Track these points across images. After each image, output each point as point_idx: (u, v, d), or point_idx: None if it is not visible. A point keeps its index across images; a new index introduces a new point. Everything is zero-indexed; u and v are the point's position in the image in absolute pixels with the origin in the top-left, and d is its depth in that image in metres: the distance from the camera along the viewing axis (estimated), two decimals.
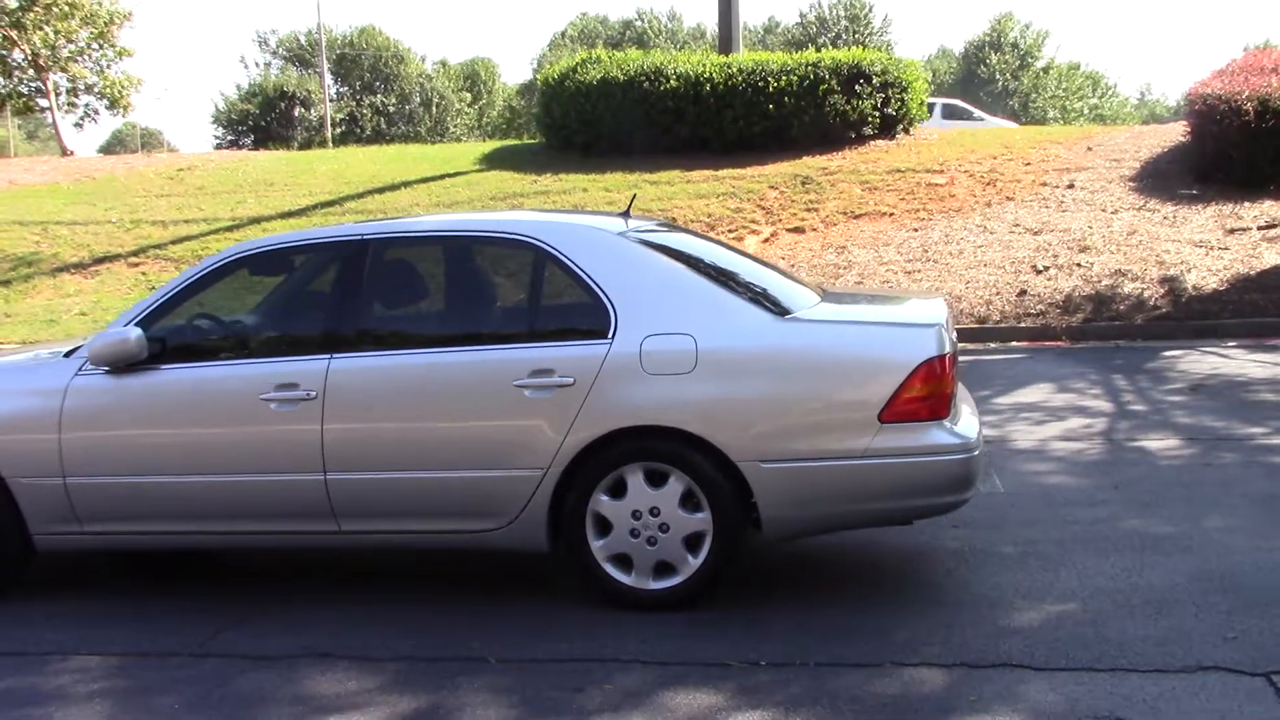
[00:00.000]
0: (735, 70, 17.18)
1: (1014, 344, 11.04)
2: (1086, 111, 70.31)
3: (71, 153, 24.83)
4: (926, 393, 4.42)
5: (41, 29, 24.02)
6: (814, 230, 14.37)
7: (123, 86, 27.04)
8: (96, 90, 26.58)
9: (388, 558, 5.40)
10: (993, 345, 11.02)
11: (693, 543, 4.55)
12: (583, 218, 5.22)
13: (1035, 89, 70.31)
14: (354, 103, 76.85)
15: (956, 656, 4.07)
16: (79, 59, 26.53)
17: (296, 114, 71.92)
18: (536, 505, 4.59)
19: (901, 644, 4.20)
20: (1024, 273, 12.30)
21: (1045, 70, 71.82)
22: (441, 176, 17.85)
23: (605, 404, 4.51)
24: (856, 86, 17.12)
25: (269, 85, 73.63)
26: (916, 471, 4.44)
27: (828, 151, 16.95)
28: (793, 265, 13.28)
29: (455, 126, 75.02)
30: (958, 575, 4.98)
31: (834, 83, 17.02)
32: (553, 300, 4.79)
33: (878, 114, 17.36)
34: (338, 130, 70.74)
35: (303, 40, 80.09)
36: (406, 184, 17.57)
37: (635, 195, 5.96)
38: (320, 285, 4.96)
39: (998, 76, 69.42)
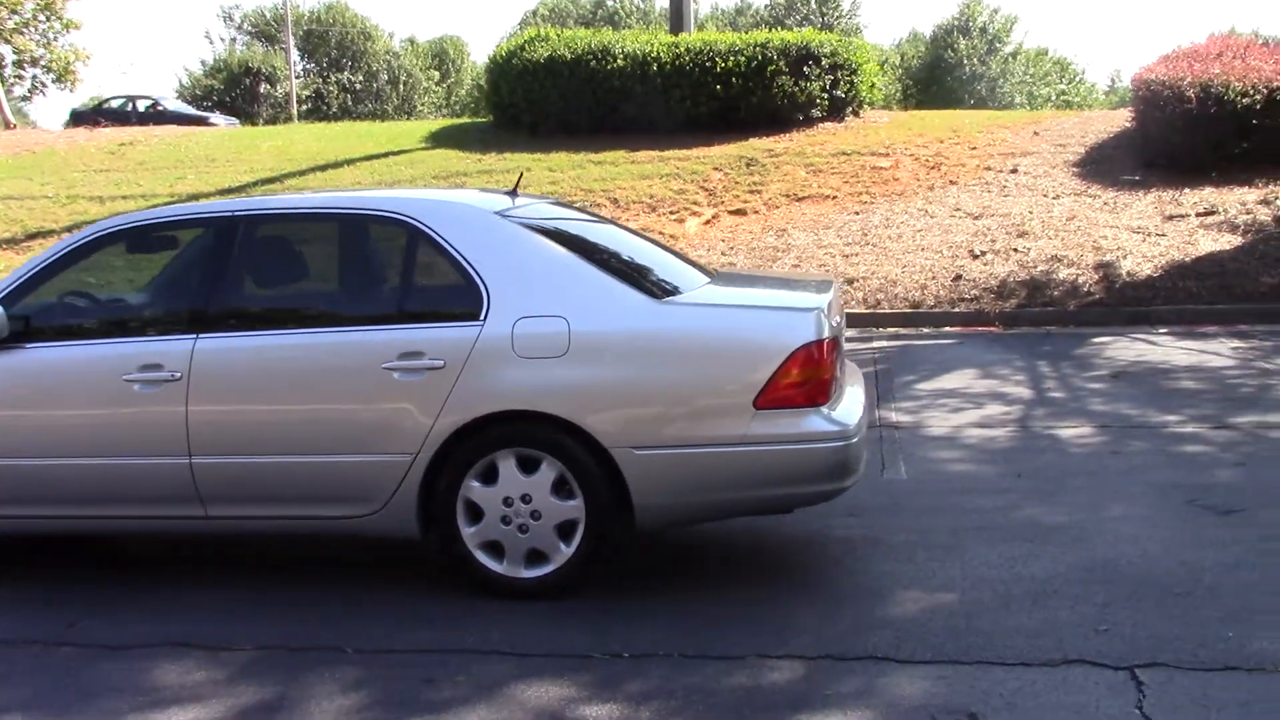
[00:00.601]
0: (683, 50, 17.03)
1: (947, 329, 10.98)
2: (1054, 98, 70.45)
3: (14, 126, 24.43)
4: (803, 379, 4.32)
5: None
6: (756, 213, 14.26)
7: (69, 60, 26.62)
8: (43, 63, 26.15)
9: (262, 543, 5.25)
10: (925, 330, 10.96)
11: (565, 531, 4.44)
12: (463, 195, 5.08)
13: (1003, 74, 70.37)
14: (320, 80, 76.11)
15: (823, 648, 3.98)
16: (24, 31, 26.06)
17: (262, 90, 71.21)
18: (407, 491, 4.47)
19: (771, 635, 4.11)
20: (961, 257, 12.25)
21: (1013, 56, 71.89)
22: (386, 154, 17.63)
23: (476, 388, 4.39)
24: (805, 68, 17.01)
25: (234, 61, 72.78)
26: (793, 459, 4.34)
27: (775, 133, 16.84)
28: (731, 248, 13.19)
29: (423, 105, 74.50)
30: (843, 564, 4.89)
31: (782, 64, 16.89)
32: (426, 280, 4.66)
33: (826, 96, 17.26)
34: (304, 107, 70.01)
35: (268, 16, 79.24)
36: (350, 161, 17.33)
37: (523, 173, 5.81)
38: (190, 263, 4.80)
39: (965, 61, 69.44)
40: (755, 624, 4.21)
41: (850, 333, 10.83)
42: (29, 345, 4.74)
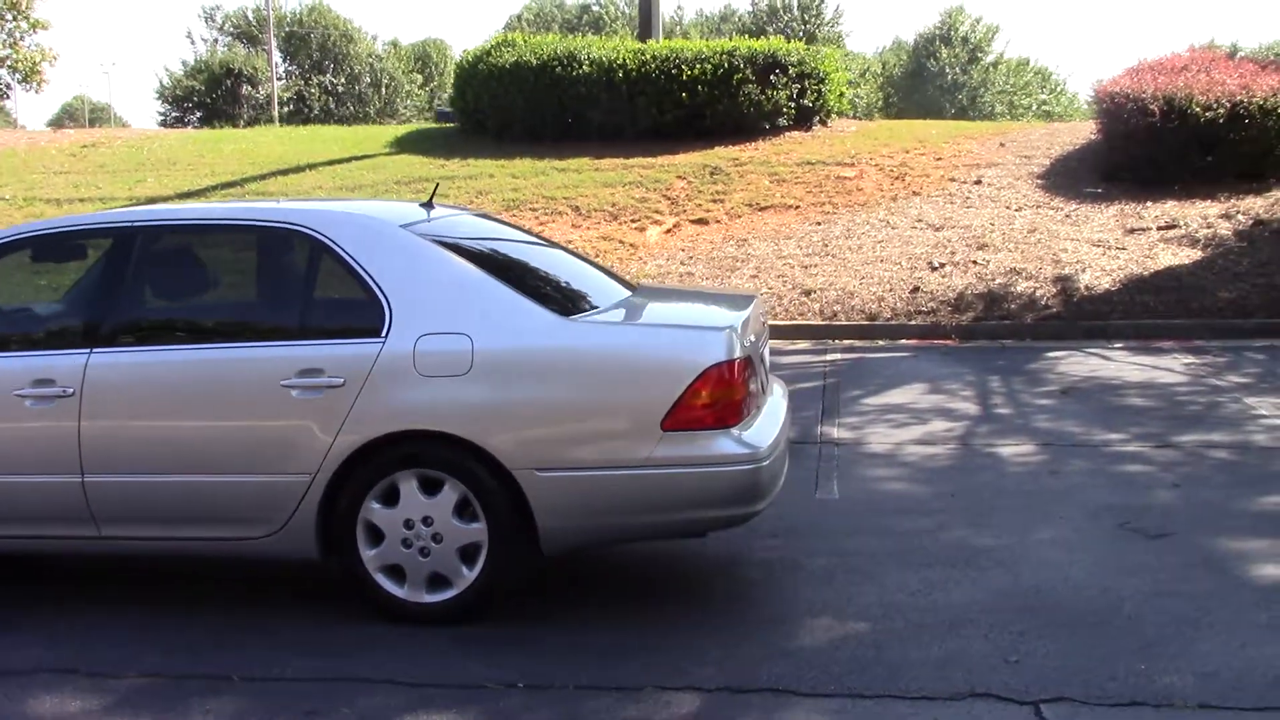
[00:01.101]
0: (649, 57, 16.91)
1: (902, 342, 10.88)
2: (1035, 108, 70.60)
3: None
4: (712, 400, 4.20)
5: None
6: (718, 222, 14.14)
7: (36, 60, 26.35)
8: (8, 63, 25.90)
9: (162, 564, 5.08)
10: (881, 343, 10.86)
11: (468, 554, 4.31)
12: (371, 207, 4.94)
13: (984, 84, 70.52)
14: (302, 82, 75.77)
15: (723, 680, 3.85)
16: None
17: (244, 92, 70.87)
18: (305, 512, 4.33)
19: (671, 665, 3.98)
20: (920, 269, 12.15)
21: (994, 65, 72.02)
22: (349, 159, 17.45)
23: (376, 406, 4.25)
24: (772, 76, 16.90)
25: (215, 62, 72.38)
26: (701, 482, 4.22)
27: (741, 142, 16.73)
28: (691, 257, 13.07)
29: (405, 108, 74.27)
30: (758, 589, 4.78)
31: (749, 72, 16.78)
32: (327, 295, 4.52)
33: (793, 105, 17.15)
34: (285, 109, 69.64)
35: (250, 17, 78.86)
36: (312, 166, 17.15)
37: (438, 184, 5.66)
38: (88, 274, 4.65)
39: (947, 70, 69.54)
40: (657, 653, 4.08)
41: (804, 345, 10.74)
42: None
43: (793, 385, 8.83)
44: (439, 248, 4.47)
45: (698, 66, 16.70)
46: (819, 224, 13.77)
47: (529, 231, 5.77)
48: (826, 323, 11.27)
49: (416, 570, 4.32)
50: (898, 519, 5.59)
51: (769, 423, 4.58)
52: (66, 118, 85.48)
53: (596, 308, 4.61)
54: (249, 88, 70.59)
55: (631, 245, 13.61)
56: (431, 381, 4.24)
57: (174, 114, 72.56)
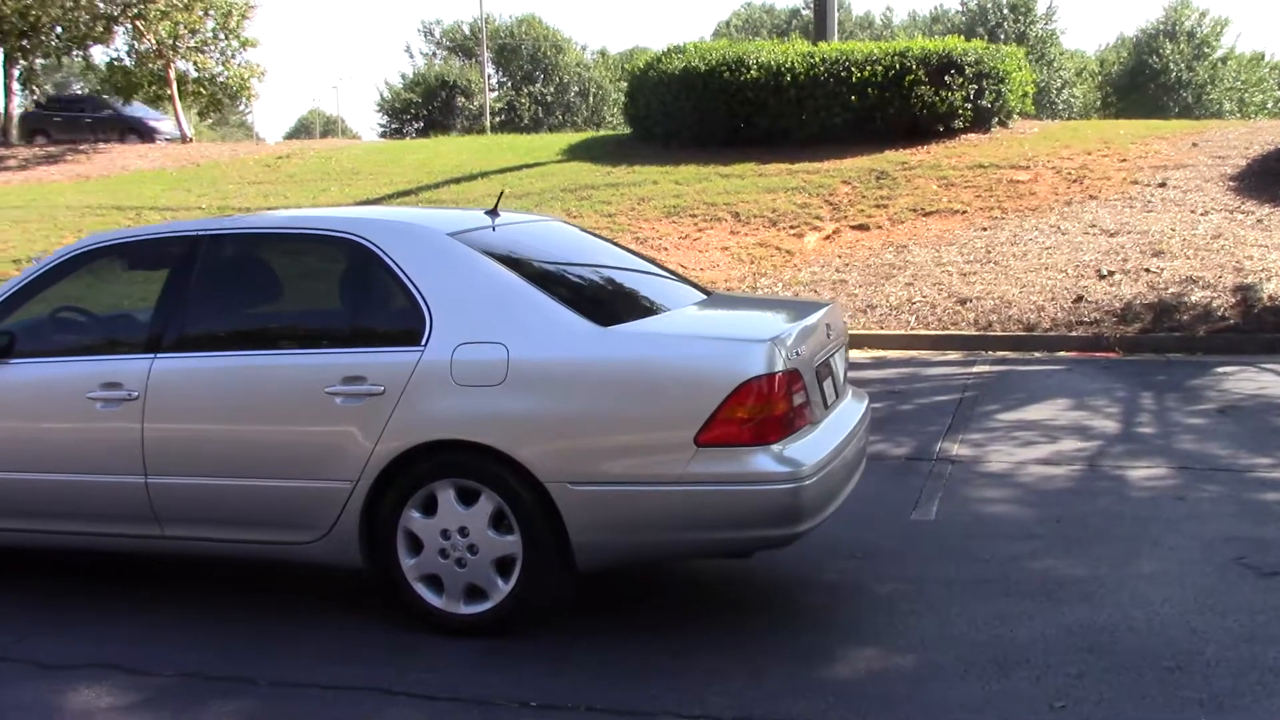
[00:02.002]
0: (818, 60, 16.61)
1: (1060, 354, 10.30)
2: (1270, 105, 66.37)
3: (190, 139, 25.68)
4: (749, 415, 4.02)
5: (165, 18, 24.80)
6: (879, 228, 13.75)
7: (245, 76, 27.85)
8: (220, 80, 27.43)
9: (218, 567, 5.17)
10: (1036, 355, 10.31)
11: (504, 566, 4.25)
12: (423, 214, 4.93)
13: (1211, 81, 66.70)
14: (513, 92, 78.00)
15: (739, 710, 3.68)
16: (204, 49, 27.38)
17: (458, 103, 73.42)
18: (349, 519, 4.35)
19: (693, 690, 3.82)
20: (1086, 277, 11.50)
21: (1223, 61, 68.00)
22: (520, 167, 17.76)
23: (414, 415, 4.24)
24: (946, 77, 16.36)
25: (431, 75, 75.36)
26: (736, 501, 4.04)
27: (912, 145, 16.25)
28: (846, 265, 12.74)
29: (611, 116, 75.55)
30: (810, 614, 4.55)
31: (921, 73, 16.29)
32: (374, 302, 4.54)
33: (969, 106, 16.55)
34: (497, 119, 71.81)
35: (466, 30, 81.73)
36: (484, 174, 17.54)
37: (504, 191, 5.61)
38: (155, 282, 4.80)
39: (1171, 67, 66.06)
40: (682, 677, 3.93)
41: (953, 356, 10.30)
42: (14, 361, 4.82)
43: (928, 399, 8.53)
44: (484, 257, 4.42)
45: (868, 68, 16.31)
46: (985, 229, 13.22)
47: (607, 239, 5.67)
48: (980, 333, 10.78)
49: (454, 581, 4.29)
50: (990, 544, 5.26)
51: (825, 438, 4.36)
52: (302, 130, 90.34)
53: (644, 317, 4.49)
54: (463, 99, 73.14)
55: (787, 252, 13.37)
56: (467, 391, 4.20)
57: (393, 126, 75.81)
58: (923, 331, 10.97)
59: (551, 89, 76.81)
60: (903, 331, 11.01)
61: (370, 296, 4.52)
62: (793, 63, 16.66)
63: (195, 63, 27.13)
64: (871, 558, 5.17)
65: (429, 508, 4.29)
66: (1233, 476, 6.24)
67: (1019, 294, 11.34)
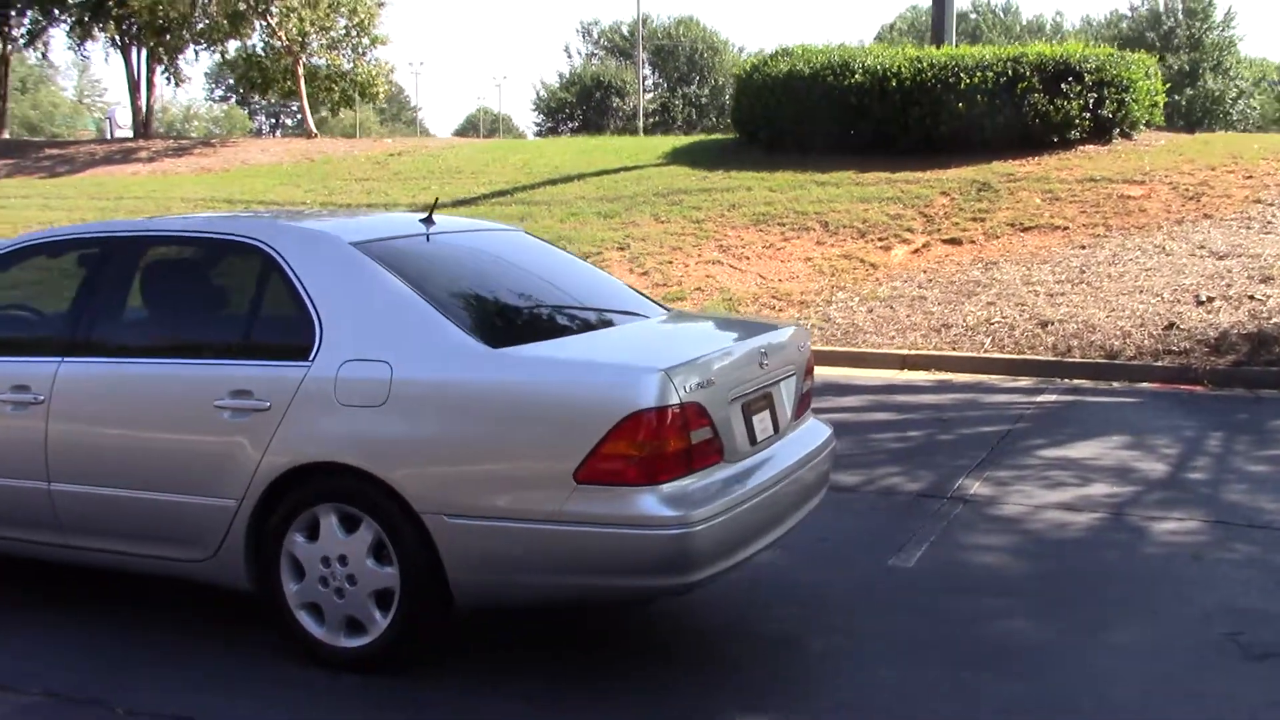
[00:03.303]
0: (925, 65, 15.93)
1: (1141, 385, 9.54)
2: None
3: (315, 135, 26.21)
4: (635, 452, 3.66)
5: (292, 15, 25.36)
6: (972, 243, 13.07)
7: (374, 74, 28.31)
8: (350, 77, 27.95)
9: (128, 580, 4.85)
10: (1114, 385, 9.58)
11: (383, 600, 3.98)
12: (332, 222, 4.68)
13: None
14: (668, 93, 78.13)
15: None
16: (336, 47, 27.92)
17: (613, 104, 73.92)
18: (234, 539, 4.15)
19: None
20: (1182, 303, 10.68)
21: None
22: (619, 170, 17.54)
23: (297, 434, 4.02)
24: (1063, 85, 15.50)
25: (587, 75, 76.08)
26: (617, 545, 3.69)
27: (1023, 156, 15.43)
28: (930, 280, 12.14)
29: None
30: (718, 669, 4.15)
31: (1035, 80, 15.47)
32: (270, 313, 4.31)
33: (1088, 116, 15.65)
34: (650, 120, 72.02)
35: (624, 31, 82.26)
36: (582, 176, 17.36)
37: (437, 200, 5.35)
38: (70, 284, 4.68)
39: None
40: None
41: (1024, 382, 9.66)
42: None
43: (973, 429, 7.97)
44: (382, 269, 4.15)
45: (978, 74, 15.57)
46: (1083, 248, 12.44)
47: (572, 255, 5.34)
48: (1058, 359, 10.09)
49: (334, 611, 4.05)
50: (959, 599, 4.78)
51: (741, 478, 3.98)
52: (470, 128, 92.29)
53: (550, 339, 4.17)
54: (618, 99, 73.57)
55: (871, 265, 12.82)
56: (349, 411, 3.96)
57: (548, 125, 76.80)
58: (996, 355, 10.33)
59: (706, 91, 76.58)
60: (974, 354, 10.39)
61: (267, 306, 4.31)
62: (899, 67, 16.01)
63: (327, 59, 27.68)
64: (821, 606, 4.75)
65: (313, 532, 4.06)
66: (1270, 536, 5.59)
67: (1106, 318, 10.60)
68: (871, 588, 4.95)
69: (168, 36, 26.49)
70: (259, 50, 28.08)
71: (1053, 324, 10.64)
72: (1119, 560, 5.29)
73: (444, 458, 3.86)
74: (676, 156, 18.28)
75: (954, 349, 10.56)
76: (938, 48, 17.41)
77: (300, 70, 26.38)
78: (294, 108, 39.69)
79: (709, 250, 13.76)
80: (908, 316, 11.32)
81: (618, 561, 3.72)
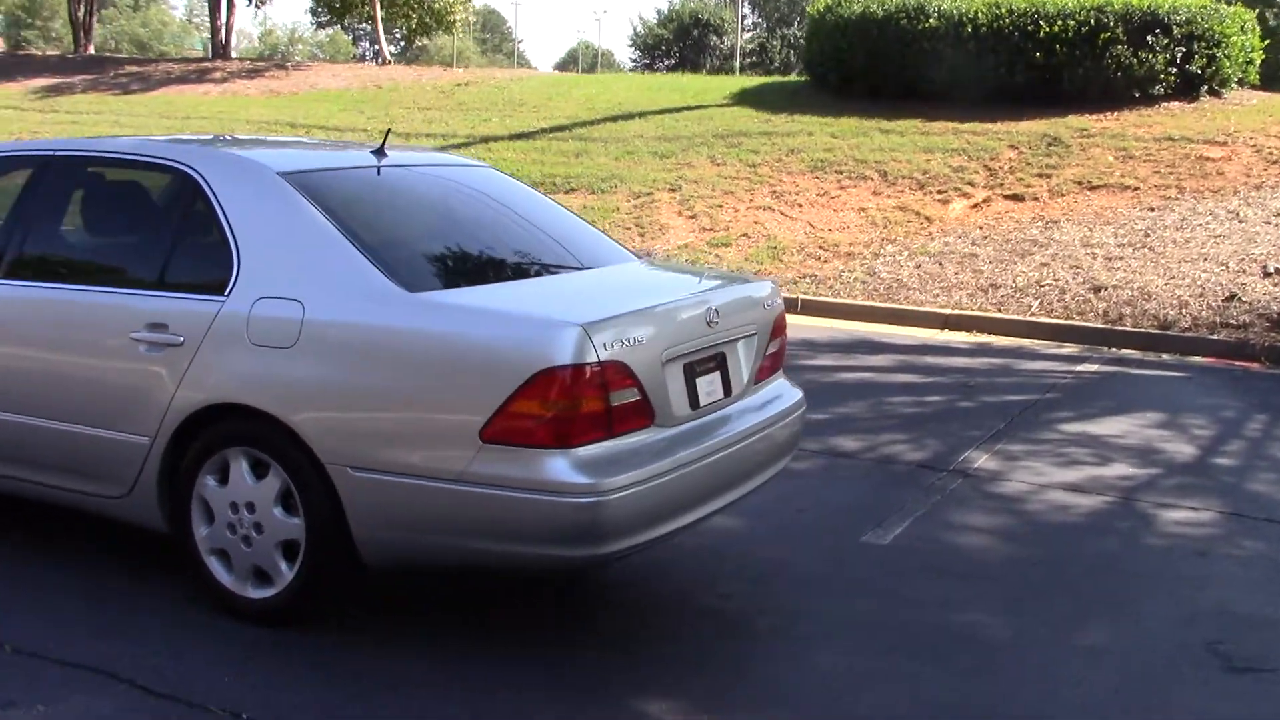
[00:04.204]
0: (1004, 11, 15.20)
1: (1193, 359, 9.00)
2: None
3: (388, 62, 26.03)
4: (546, 411, 3.39)
5: None
6: (1035, 200, 12.48)
7: (450, 2, 27.97)
8: (426, 4, 27.64)
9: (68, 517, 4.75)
10: (1164, 357, 9.04)
11: (289, 550, 3.78)
12: (270, 153, 4.43)
13: None
14: (767, 34, 76.78)
15: None
16: None
17: (710, 42, 72.81)
18: (148, 477, 3.98)
19: (465, 705, 3.27)
20: (1248, 273, 10.07)
21: None
22: (681, 109, 17.10)
23: (207, 373, 3.82)
24: (1149, 37, 14.70)
25: (685, 12, 75.01)
26: (522, 511, 3.43)
27: (1102, 110, 14.68)
28: (985, 238, 11.61)
29: None
30: (651, 643, 3.89)
31: (1120, 31, 14.68)
32: (192, 243, 4.08)
33: (1174, 71, 14.83)
34: (747, 60, 70.85)
35: None
36: (643, 114, 16.96)
37: (390, 130, 5.05)
38: (4, 203, 4.50)
39: None
40: (445, 702, 3.38)
41: (1069, 349, 9.18)
42: None
43: (997, 397, 7.56)
44: (307, 201, 3.90)
45: (1058, 23, 14.82)
46: (1151, 210, 11.81)
47: (544, 197, 5.03)
48: (1108, 326, 9.57)
49: (241, 560, 3.86)
50: (926, 582, 4.45)
51: (673, 444, 3.69)
52: (570, 62, 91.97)
53: (479, 284, 3.90)
54: (715, 38, 72.41)
55: (926, 218, 12.32)
56: (259, 351, 3.74)
57: (644, 61, 76.12)
58: (1042, 319, 9.83)
59: (804, 33, 75.13)
60: (1019, 317, 9.91)
61: (190, 236, 4.09)
62: (976, 12, 15.30)
63: None
64: (777, 582, 4.47)
65: (224, 476, 3.86)
66: None
67: (1163, 286, 10.02)
68: (838, 564, 4.65)
69: None
70: None
71: (1106, 289, 10.10)
72: (1115, 550, 4.91)
73: (350, 406, 3.63)
74: (743, 98, 17.77)
75: (999, 311, 10.08)
76: None
77: None
78: (398, 35, 39.52)
79: (761, 196, 13.34)
80: (955, 274, 10.84)
81: (524, 528, 3.46)
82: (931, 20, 15.55)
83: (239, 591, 3.88)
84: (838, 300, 10.60)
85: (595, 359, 3.43)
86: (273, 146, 4.72)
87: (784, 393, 4.51)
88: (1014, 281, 10.52)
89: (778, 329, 4.48)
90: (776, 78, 22.47)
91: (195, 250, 4.05)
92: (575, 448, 3.43)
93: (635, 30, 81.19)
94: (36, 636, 3.73)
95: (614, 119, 16.88)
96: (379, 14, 26.24)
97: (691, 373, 3.89)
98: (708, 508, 3.91)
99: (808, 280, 11.09)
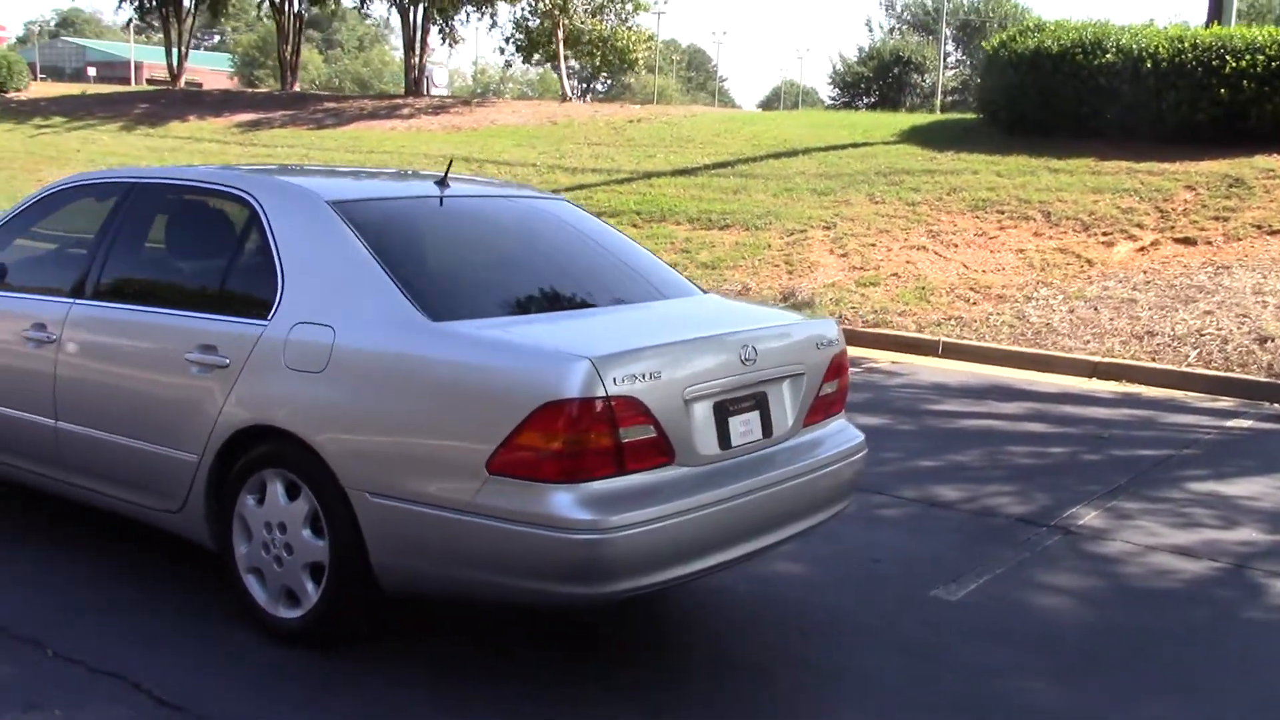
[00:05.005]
0: (1187, 45, 14.43)
1: None
2: None
3: (569, 99, 26.54)
4: (552, 445, 3.35)
5: None
6: (1207, 244, 11.77)
7: (632, 40, 28.36)
8: (610, 43, 28.09)
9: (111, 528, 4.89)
10: None
11: (316, 573, 3.84)
12: (325, 181, 4.50)
13: None
14: (970, 71, 75.41)
15: None
16: (602, 12, 28.10)
17: (910, 80, 71.96)
18: (196, 494, 4.11)
19: None
20: None
21: None
22: (846, 146, 16.85)
23: (248, 395, 3.93)
24: None
25: (886, 50, 74.39)
26: (522, 545, 3.40)
27: None
28: (1147, 283, 11.01)
29: None
30: (649, 688, 3.77)
31: None
32: (244, 267, 4.21)
33: None
34: (949, 98, 69.72)
35: (929, 6, 80.00)
36: (807, 151, 16.79)
37: (452, 161, 5.08)
38: (92, 226, 4.73)
39: None
40: None
41: (1225, 403, 8.61)
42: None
43: (1128, 451, 7.15)
44: (348, 229, 3.97)
45: (1246, 58, 14.00)
46: None
47: (608, 228, 4.97)
48: (1271, 380, 8.92)
49: (273, 579, 3.94)
50: (987, 645, 4.20)
51: (694, 484, 3.59)
52: (774, 100, 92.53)
53: (508, 315, 3.88)
54: (916, 75, 71.48)
55: (1087, 261, 11.77)
56: (294, 375, 3.82)
57: (843, 99, 75.81)
58: (1199, 370, 9.24)
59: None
60: (1174, 367, 9.33)
61: (243, 261, 4.22)
62: (1156, 48, 14.59)
63: (589, 25, 27.93)
64: (821, 634, 4.28)
65: (262, 497, 3.95)
66: None
67: None
68: (895, 619, 4.43)
69: None
70: (525, 13, 28.71)
71: (1274, 340, 9.42)
72: (1207, 621, 4.54)
73: (370, 431, 3.66)
74: (911, 135, 17.40)
75: (1153, 360, 9.52)
76: (1206, 27, 15.80)
77: (560, 34, 26.76)
78: (604, 74, 40.52)
79: (917, 235, 13.00)
80: (1110, 320, 10.30)
81: (526, 564, 3.42)
82: (1109, 55, 14.91)
83: (272, 611, 3.95)
84: (981, 344, 10.21)
85: (604, 393, 3.37)
86: (336, 176, 4.83)
87: (840, 436, 4.35)
88: (1173, 329, 9.93)
89: (836, 370, 4.32)
90: (948, 115, 21.94)
91: (247, 274, 4.18)
92: (582, 483, 3.38)
93: (835, 68, 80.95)
94: (79, 643, 3.88)
95: (777, 155, 16.76)
96: (562, 51, 26.87)
97: (724, 411, 3.78)
98: (737, 550, 3.78)
99: (953, 322, 10.72)
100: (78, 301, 4.52)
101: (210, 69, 78.09)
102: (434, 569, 3.60)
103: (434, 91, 33.48)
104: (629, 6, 28.21)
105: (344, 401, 3.70)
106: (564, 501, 3.35)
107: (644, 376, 3.48)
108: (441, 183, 4.52)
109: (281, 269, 3.98)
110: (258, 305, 3.99)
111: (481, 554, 3.47)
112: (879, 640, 4.24)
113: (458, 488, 3.46)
